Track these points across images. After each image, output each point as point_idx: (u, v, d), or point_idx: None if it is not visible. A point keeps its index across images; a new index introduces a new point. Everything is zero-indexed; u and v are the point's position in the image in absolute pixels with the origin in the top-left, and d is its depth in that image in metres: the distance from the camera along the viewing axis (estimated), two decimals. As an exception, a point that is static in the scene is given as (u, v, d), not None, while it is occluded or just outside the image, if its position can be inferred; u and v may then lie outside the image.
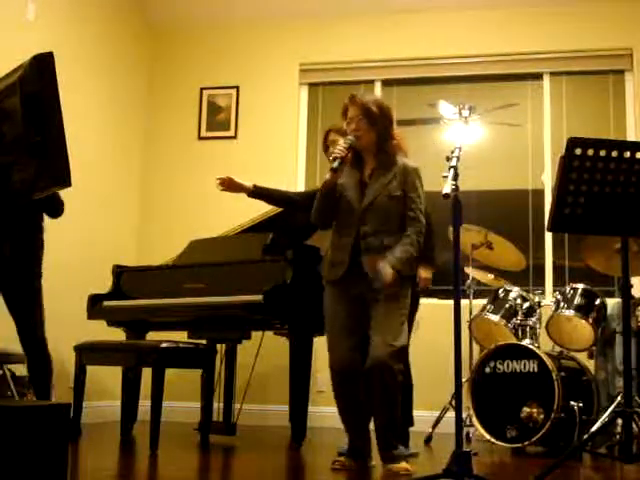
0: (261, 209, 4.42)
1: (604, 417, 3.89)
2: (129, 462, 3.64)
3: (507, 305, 4.53)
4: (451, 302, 2.84)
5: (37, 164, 2.97)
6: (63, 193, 3.64)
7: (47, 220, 3.75)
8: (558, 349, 4.39)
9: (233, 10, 6.11)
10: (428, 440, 4.53)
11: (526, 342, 4.27)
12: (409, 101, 5.98)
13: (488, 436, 4.08)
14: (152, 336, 4.58)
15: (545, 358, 4.05)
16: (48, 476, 2.23)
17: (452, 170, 2.81)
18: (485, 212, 5.60)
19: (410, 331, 3.63)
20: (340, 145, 3.30)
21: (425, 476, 2.85)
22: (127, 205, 5.96)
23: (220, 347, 4.46)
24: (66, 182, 2.93)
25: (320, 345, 3.77)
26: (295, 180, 5.92)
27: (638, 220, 2.92)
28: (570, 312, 4.29)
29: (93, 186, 5.34)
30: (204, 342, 4.35)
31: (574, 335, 4.33)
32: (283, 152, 5.96)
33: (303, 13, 6.02)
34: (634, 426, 3.09)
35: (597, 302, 4.35)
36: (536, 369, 4.08)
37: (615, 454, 3.83)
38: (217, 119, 6.11)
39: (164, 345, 3.82)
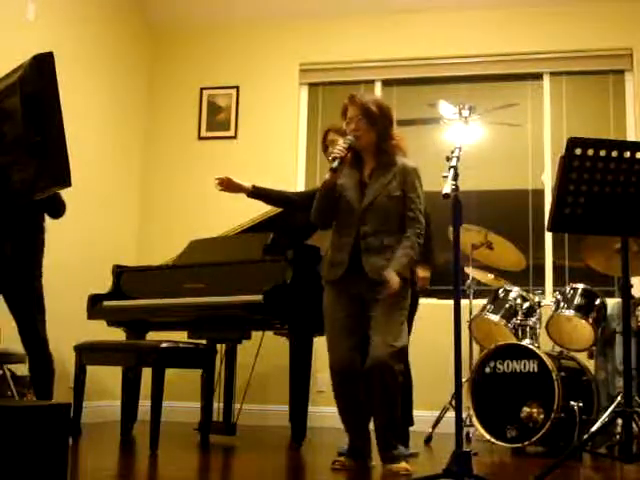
0: (261, 209, 4.42)
1: (604, 417, 3.89)
2: (129, 462, 3.64)
3: (507, 305, 4.53)
4: (451, 302, 2.84)
5: (37, 164, 2.96)
6: (63, 193, 3.65)
7: (47, 220, 3.75)
8: (558, 349, 4.39)
9: (233, 10, 6.11)
10: (428, 440, 4.53)
11: (526, 342, 4.27)
12: (409, 101, 5.97)
13: (488, 436, 4.08)
14: (152, 336, 4.58)
15: (545, 358, 4.05)
16: (48, 476, 2.23)
17: (452, 170, 2.82)
18: (485, 212, 5.59)
19: (410, 331, 3.63)
20: (340, 145, 3.30)
21: (425, 476, 2.85)
22: (127, 205, 5.96)
23: (220, 347, 4.46)
24: (66, 182, 2.93)
25: (320, 345, 3.77)
26: (295, 180, 5.92)
27: (638, 220, 2.92)
28: (570, 312, 4.29)
29: (93, 186, 5.33)
30: (204, 342, 4.35)
31: (574, 335, 4.33)
32: (283, 152, 5.96)
33: (303, 13, 6.02)
34: (634, 426, 3.08)
35: (597, 302, 4.35)
36: (536, 369, 4.08)
37: (615, 454, 3.83)
38: (217, 119, 6.11)
39: (164, 345, 3.83)
